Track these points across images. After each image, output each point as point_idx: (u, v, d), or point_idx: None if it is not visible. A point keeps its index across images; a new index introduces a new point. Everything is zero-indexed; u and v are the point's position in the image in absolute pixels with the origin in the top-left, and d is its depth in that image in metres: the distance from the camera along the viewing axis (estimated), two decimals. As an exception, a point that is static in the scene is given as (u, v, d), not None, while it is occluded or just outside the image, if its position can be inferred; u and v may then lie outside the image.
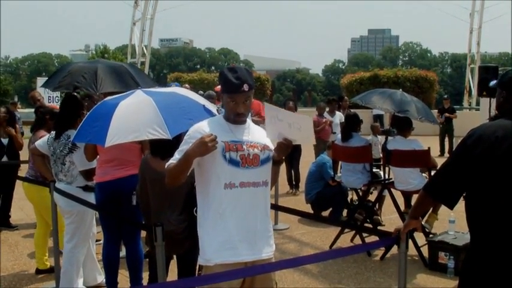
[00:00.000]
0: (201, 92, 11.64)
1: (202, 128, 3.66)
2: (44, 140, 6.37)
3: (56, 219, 6.36)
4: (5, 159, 9.29)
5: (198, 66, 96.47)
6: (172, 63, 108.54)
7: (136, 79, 6.85)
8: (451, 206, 3.32)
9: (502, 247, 3.07)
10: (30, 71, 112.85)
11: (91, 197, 6.11)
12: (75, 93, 6.51)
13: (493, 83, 3.39)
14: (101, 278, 6.57)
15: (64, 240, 6.22)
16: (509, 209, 3.04)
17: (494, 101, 12.59)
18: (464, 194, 3.27)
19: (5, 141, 9.29)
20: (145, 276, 5.79)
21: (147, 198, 4.75)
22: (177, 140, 4.58)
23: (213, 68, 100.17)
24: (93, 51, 71.12)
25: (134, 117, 4.57)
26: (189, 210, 4.63)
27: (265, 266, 3.73)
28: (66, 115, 6.12)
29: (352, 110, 10.59)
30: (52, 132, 6.26)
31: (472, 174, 3.11)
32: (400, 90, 8.67)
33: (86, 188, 6.12)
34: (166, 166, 3.67)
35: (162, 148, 4.64)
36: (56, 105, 9.54)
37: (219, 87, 11.83)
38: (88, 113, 5.06)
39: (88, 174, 6.03)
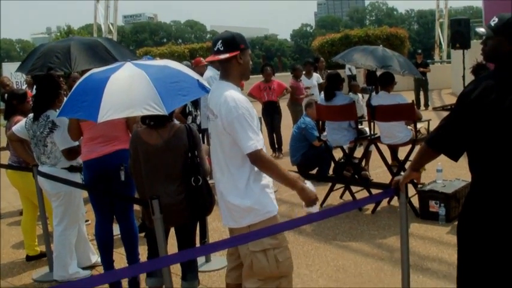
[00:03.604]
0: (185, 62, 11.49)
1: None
2: (21, 124, 6.21)
3: (42, 203, 6.27)
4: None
5: (165, 40, 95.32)
6: (138, 39, 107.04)
7: (113, 53, 6.68)
8: (456, 158, 3.32)
9: (506, 191, 3.07)
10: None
11: (77, 178, 6.02)
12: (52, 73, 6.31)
13: (481, 30, 3.30)
14: (94, 258, 6.50)
15: (53, 224, 6.11)
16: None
17: (467, 52, 12.71)
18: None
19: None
20: (141, 251, 5.74)
21: (141, 172, 4.66)
22: (170, 112, 4.51)
23: (180, 41, 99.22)
24: (57, 33, 69.76)
25: (128, 91, 4.40)
26: (186, 181, 4.57)
27: (262, 230, 3.72)
28: (44, 96, 5.96)
29: (335, 70, 10.56)
30: (29, 115, 6.11)
31: (477, 125, 3.09)
32: (381, 46, 8.65)
33: (71, 169, 6.00)
34: (260, 153, 3.74)
35: (154, 117, 4.55)
36: (28, 90, 9.32)
37: (200, 58, 11.82)
38: (74, 87, 4.81)
39: (71, 153, 5.89)
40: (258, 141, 3.74)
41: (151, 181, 4.59)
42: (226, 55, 3.86)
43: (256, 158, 3.72)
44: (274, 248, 3.91)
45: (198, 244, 5.41)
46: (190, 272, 4.84)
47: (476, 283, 3.26)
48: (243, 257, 3.99)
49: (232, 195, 3.86)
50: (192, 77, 4.76)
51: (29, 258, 6.98)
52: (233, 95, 3.80)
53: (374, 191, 6.98)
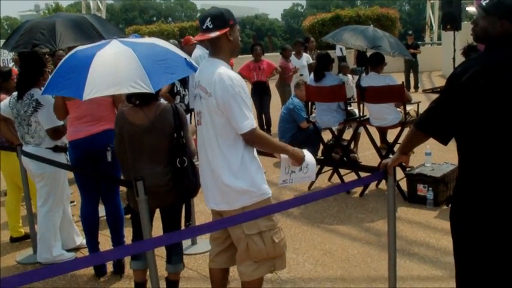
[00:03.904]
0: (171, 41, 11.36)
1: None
2: (5, 103, 6.11)
3: (26, 184, 6.17)
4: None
5: (155, 19, 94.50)
6: (127, 17, 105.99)
7: (99, 30, 6.56)
8: (445, 142, 3.26)
9: (496, 176, 3.02)
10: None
11: (62, 158, 5.92)
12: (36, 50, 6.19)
13: (471, 9, 3.22)
14: (79, 240, 6.42)
15: (38, 205, 6.03)
16: (503, 140, 2.99)
17: (458, 34, 12.61)
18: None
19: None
20: (127, 233, 5.67)
21: (126, 153, 4.57)
22: (157, 91, 4.42)
23: (170, 19, 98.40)
24: (45, 11, 68.98)
25: (114, 69, 4.29)
26: (172, 162, 4.49)
27: (250, 213, 3.68)
28: (28, 74, 5.84)
29: (324, 51, 10.47)
30: (13, 93, 5.99)
31: (467, 108, 3.02)
32: (372, 26, 8.57)
33: (55, 149, 5.90)
34: (255, 132, 3.77)
35: (140, 96, 4.45)
36: (15, 68, 9.19)
37: (189, 37, 11.70)
38: (59, 64, 4.70)
39: (55, 132, 5.78)
40: (253, 119, 3.73)
41: (137, 162, 4.50)
42: (217, 33, 3.78)
43: (252, 136, 3.72)
44: (270, 230, 3.91)
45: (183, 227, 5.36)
46: (175, 255, 4.77)
47: (475, 272, 3.18)
48: (236, 240, 3.95)
49: (225, 177, 3.81)
50: (179, 55, 4.67)
51: (12, 239, 6.90)
52: (228, 72, 3.74)
53: (362, 174, 6.94)
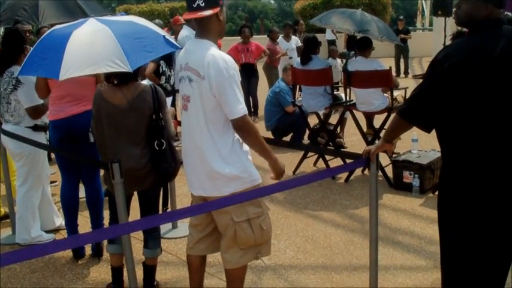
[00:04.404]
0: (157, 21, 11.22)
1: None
2: (-15, 80, 5.97)
3: (6, 163, 6.06)
4: None
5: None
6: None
7: (83, 8, 6.43)
8: (429, 130, 3.18)
9: (481, 164, 2.96)
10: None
11: (41, 137, 5.82)
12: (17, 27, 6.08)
13: None
14: (59, 221, 6.30)
15: (16, 185, 5.93)
16: (487, 127, 2.91)
17: (449, 20, 12.55)
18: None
19: None
20: (106, 216, 5.58)
21: (103, 134, 4.45)
22: (135, 69, 4.30)
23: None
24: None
25: (91, 48, 4.18)
26: (150, 144, 4.38)
27: (233, 197, 3.58)
28: (8, 51, 5.71)
29: (312, 34, 10.37)
30: (-7, 70, 5.86)
31: (450, 95, 2.92)
32: (360, 9, 8.46)
33: (35, 128, 5.79)
34: (246, 119, 3.63)
35: (119, 75, 4.33)
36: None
37: (178, 17, 11.57)
38: (35, 44, 4.60)
39: (35, 111, 5.66)
40: (244, 105, 3.60)
41: (114, 143, 4.38)
42: (210, 11, 3.62)
43: (243, 123, 3.58)
44: (259, 217, 3.81)
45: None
46: (152, 239, 4.67)
47: (462, 262, 3.10)
48: (223, 227, 3.83)
49: (216, 163, 3.68)
50: (157, 32, 4.57)
51: (-8, 219, 6.79)
52: (222, 55, 3.60)
53: (348, 160, 6.88)
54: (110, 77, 4.40)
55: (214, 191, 3.74)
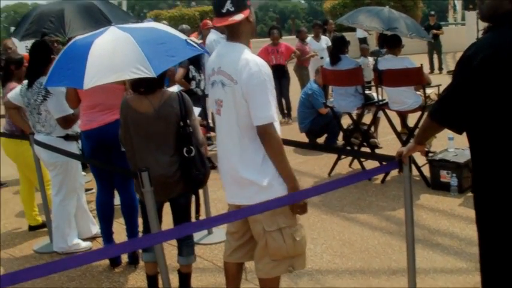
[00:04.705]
0: (184, 26, 11.23)
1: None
2: (16, 91, 6.03)
3: (40, 173, 6.10)
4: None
5: (178, 3, 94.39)
6: (152, 2, 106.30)
7: (108, 16, 6.43)
8: (460, 132, 3.08)
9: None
10: (8, 22, 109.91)
11: (73, 146, 5.85)
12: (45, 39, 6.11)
13: None
14: (95, 229, 6.33)
15: (51, 194, 5.98)
16: None
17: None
18: None
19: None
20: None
21: (131, 142, 4.43)
22: (160, 77, 4.27)
23: (193, 3, 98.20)
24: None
25: (113, 55, 4.17)
26: (179, 152, 4.35)
27: (266, 204, 3.44)
28: (37, 62, 5.75)
29: (340, 33, 10.27)
30: (24, 81, 5.90)
31: (481, 93, 2.81)
32: (387, 7, 8.31)
33: (67, 137, 5.82)
34: (271, 128, 3.47)
35: (144, 83, 4.31)
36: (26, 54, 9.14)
37: (207, 21, 11.57)
38: (59, 55, 4.61)
39: (65, 121, 5.68)
40: (275, 113, 3.47)
41: (143, 152, 4.37)
42: (241, 15, 3.52)
43: (265, 131, 3.44)
44: (290, 227, 3.68)
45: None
46: (186, 247, 4.64)
47: (502, 265, 2.99)
48: (256, 236, 3.75)
49: (248, 171, 3.58)
50: (179, 37, 4.54)
51: (31, 228, 6.90)
52: (255, 58, 3.50)
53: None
54: (137, 86, 4.38)
55: (246, 200, 3.63)
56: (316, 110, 9.54)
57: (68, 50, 4.52)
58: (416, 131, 6.60)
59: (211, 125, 5.62)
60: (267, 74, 3.48)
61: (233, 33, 3.64)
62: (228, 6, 3.51)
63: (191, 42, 4.58)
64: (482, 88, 2.81)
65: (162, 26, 4.76)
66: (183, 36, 4.64)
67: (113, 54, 4.17)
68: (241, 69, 3.46)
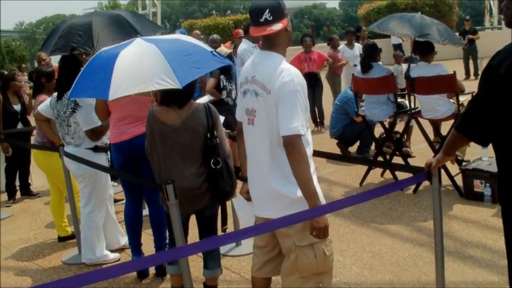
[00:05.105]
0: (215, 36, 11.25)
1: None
2: (46, 103, 6.08)
3: (70, 184, 6.14)
4: (20, 126, 9.07)
5: (214, 12, 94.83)
6: (187, 11, 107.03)
7: (136, 28, 6.44)
8: (485, 145, 3.03)
9: None
10: (46, 34, 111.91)
11: (102, 158, 5.86)
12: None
13: None
14: (124, 240, 6.34)
15: (80, 206, 6.01)
16: None
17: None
18: None
19: (17, 107, 9.05)
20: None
21: (158, 154, 4.41)
22: (189, 87, 4.26)
23: (229, 12, 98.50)
24: (104, 8, 70.25)
25: (139, 66, 4.16)
26: (206, 163, 4.32)
27: (296, 216, 3.33)
28: (66, 75, 5.77)
29: (372, 40, 10.15)
30: (54, 94, 5.96)
31: (509, 102, 2.73)
32: (419, 13, 8.19)
33: (96, 149, 5.85)
34: (297, 140, 3.34)
35: (173, 96, 4.30)
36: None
37: (238, 30, 11.60)
38: (84, 67, 4.63)
39: (94, 133, 5.72)
40: (303, 126, 3.37)
41: (169, 163, 4.35)
42: (280, 25, 3.45)
43: (293, 142, 3.32)
44: (322, 241, 3.57)
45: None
46: (211, 260, 4.61)
47: None
48: (286, 250, 3.66)
49: (279, 183, 3.50)
50: (204, 48, 4.54)
51: (60, 239, 6.93)
52: (289, 68, 3.44)
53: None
54: (166, 99, 4.36)
55: (275, 213, 3.50)
56: (349, 117, 9.43)
57: (93, 61, 4.54)
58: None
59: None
60: (300, 84, 3.40)
61: (270, 43, 3.57)
62: (266, 15, 3.44)
63: (216, 54, 4.55)
64: (509, 96, 2.73)
65: (188, 38, 4.76)
66: (208, 48, 4.63)
67: (139, 66, 4.16)
68: (274, 78, 3.40)
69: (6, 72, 10.16)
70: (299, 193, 3.44)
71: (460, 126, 3.09)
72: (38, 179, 9.65)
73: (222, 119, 4.69)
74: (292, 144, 3.34)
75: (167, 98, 4.36)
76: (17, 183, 9.46)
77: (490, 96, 2.80)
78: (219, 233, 4.82)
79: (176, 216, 3.88)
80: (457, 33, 18.40)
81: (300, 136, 3.34)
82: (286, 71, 3.40)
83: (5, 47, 45.32)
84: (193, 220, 4.69)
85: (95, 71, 4.38)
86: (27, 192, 9.46)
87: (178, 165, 4.33)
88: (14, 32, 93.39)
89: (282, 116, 3.37)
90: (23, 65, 20.30)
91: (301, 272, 3.59)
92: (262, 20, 3.45)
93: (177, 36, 4.81)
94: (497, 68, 2.76)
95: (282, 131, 3.36)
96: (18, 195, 9.43)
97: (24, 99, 9.15)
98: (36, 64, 11.53)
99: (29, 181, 9.58)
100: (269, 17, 3.44)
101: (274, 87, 3.39)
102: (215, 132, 4.36)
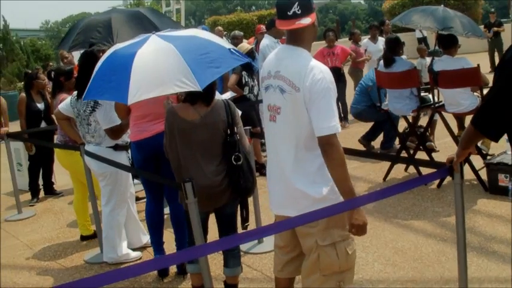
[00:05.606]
0: (237, 32, 11.20)
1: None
2: (66, 102, 6.08)
3: (91, 183, 6.14)
4: (43, 125, 9.11)
5: (238, 8, 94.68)
6: (212, 8, 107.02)
7: (155, 24, 6.41)
8: (496, 140, 2.99)
9: None
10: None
11: (123, 156, 5.85)
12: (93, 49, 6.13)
13: None
14: (146, 238, 6.34)
15: (101, 204, 6.02)
16: None
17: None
18: None
19: (41, 106, 9.11)
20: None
21: (177, 151, 4.38)
22: (210, 87, 4.21)
23: (253, 8, 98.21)
24: (127, 5, 70.55)
25: (156, 68, 4.05)
26: (226, 160, 4.28)
27: (319, 212, 3.26)
28: (86, 73, 5.74)
29: (394, 34, 10.04)
30: (74, 92, 5.95)
31: None
32: (442, 6, 8.02)
33: (116, 148, 5.85)
34: (334, 139, 3.29)
35: (199, 97, 4.26)
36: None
37: (260, 26, 11.54)
38: (97, 66, 4.49)
39: (113, 132, 5.68)
40: (338, 123, 3.30)
41: (188, 161, 4.31)
42: (309, 19, 3.37)
43: (331, 142, 3.26)
44: (344, 240, 3.52)
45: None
46: (232, 258, 4.57)
47: None
48: (307, 250, 3.59)
49: (302, 182, 3.44)
50: (222, 46, 4.41)
51: (82, 237, 6.98)
52: (319, 65, 3.35)
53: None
54: (191, 98, 4.32)
55: (296, 212, 3.42)
56: (371, 100, 9.36)
57: (109, 60, 4.40)
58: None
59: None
60: (331, 81, 3.33)
61: (296, 37, 3.49)
62: (295, 8, 3.35)
63: (234, 51, 4.47)
64: None
65: (205, 34, 4.65)
66: (226, 45, 4.53)
67: (156, 66, 4.07)
68: (304, 76, 3.31)
69: (30, 71, 10.22)
70: (323, 192, 3.40)
71: (475, 122, 3.02)
72: (61, 178, 9.72)
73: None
74: (330, 144, 3.27)
75: (191, 97, 4.31)
76: (41, 182, 9.53)
77: (504, 91, 2.73)
78: (239, 230, 4.78)
79: (195, 214, 3.85)
80: (482, 26, 18.17)
81: (336, 134, 3.28)
82: (316, 68, 3.32)
83: (31, 46, 45.57)
84: (212, 218, 4.65)
85: (111, 72, 4.26)
86: (50, 191, 9.53)
87: (198, 163, 4.28)
88: (39, 31, 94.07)
89: (316, 116, 3.29)
90: (50, 64, 20.37)
91: (322, 270, 3.53)
92: (290, 13, 3.37)
93: (192, 32, 4.68)
94: (510, 62, 2.68)
95: (319, 131, 3.28)
96: (41, 194, 9.50)
97: (47, 98, 9.19)
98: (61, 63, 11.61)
99: (53, 180, 9.64)
100: (298, 10, 3.35)
101: (304, 85, 3.30)
102: (235, 128, 4.32)
